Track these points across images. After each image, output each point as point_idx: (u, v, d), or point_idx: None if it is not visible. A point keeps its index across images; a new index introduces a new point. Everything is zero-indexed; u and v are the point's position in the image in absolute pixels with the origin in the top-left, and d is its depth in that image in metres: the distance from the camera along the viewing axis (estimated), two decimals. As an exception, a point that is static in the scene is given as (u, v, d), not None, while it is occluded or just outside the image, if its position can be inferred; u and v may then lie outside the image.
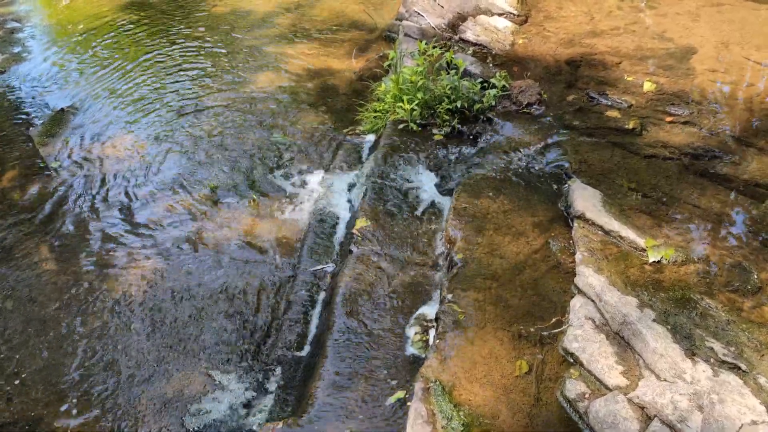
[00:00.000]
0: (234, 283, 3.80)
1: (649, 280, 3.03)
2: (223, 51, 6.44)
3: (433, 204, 3.91)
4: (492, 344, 2.87)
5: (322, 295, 3.66)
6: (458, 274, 3.24)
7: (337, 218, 4.19)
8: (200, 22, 7.13)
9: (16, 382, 3.28)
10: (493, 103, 4.65)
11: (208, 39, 6.71)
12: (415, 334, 3.10)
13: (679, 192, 3.67)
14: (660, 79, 4.83)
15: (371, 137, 4.90)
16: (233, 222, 4.24)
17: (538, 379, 2.73)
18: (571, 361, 2.77)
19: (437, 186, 4.04)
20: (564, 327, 2.90)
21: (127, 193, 4.54)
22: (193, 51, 6.47)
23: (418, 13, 6.18)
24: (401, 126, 4.49)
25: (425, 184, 4.05)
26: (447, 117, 4.51)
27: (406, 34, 5.76)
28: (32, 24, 7.50)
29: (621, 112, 4.51)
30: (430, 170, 4.15)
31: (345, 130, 5.06)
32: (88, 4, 7.87)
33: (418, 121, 4.50)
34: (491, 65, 5.25)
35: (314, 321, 3.52)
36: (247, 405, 3.11)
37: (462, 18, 6.11)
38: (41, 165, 4.85)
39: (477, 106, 4.58)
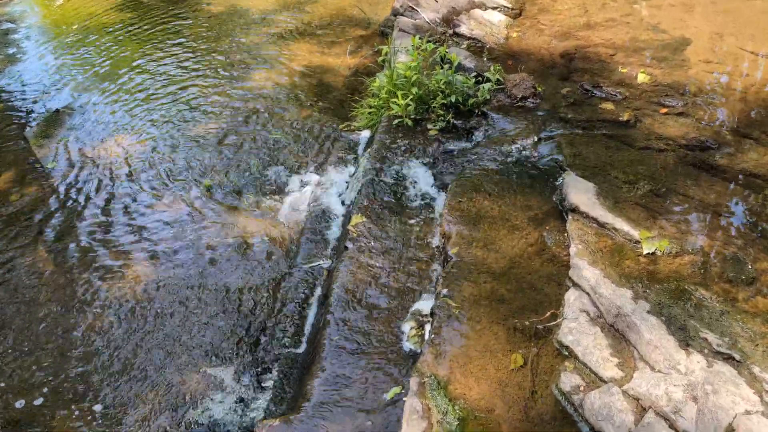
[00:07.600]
0: (230, 281, 3.80)
1: (644, 272, 3.03)
2: (218, 49, 6.43)
3: (427, 199, 3.91)
4: (487, 338, 2.87)
5: (318, 292, 3.67)
6: (453, 269, 3.24)
7: (333, 215, 4.19)
8: (196, 20, 7.12)
9: (12, 381, 3.29)
10: (488, 97, 4.64)
11: (203, 37, 6.70)
12: (411, 329, 3.10)
13: (674, 184, 3.67)
14: (654, 71, 4.83)
15: (366, 133, 4.90)
16: (230, 220, 4.25)
17: (533, 373, 2.73)
18: (566, 353, 2.78)
19: (432, 181, 4.04)
20: (559, 320, 2.90)
21: (122, 194, 4.54)
22: (188, 50, 6.47)
23: (413, 8, 6.17)
24: (396, 121, 4.49)
25: (420, 179, 4.04)
26: (441, 112, 4.50)
27: (400, 29, 5.75)
28: (27, 24, 7.49)
29: (615, 104, 4.50)
30: (425, 165, 4.15)
31: (340, 126, 5.05)
32: (82, 4, 7.86)
33: (412, 117, 4.49)
34: (485, 59, 5.24)
35: (310, 317, 3.53)
36: (244, 402, 3.12)
37: (456, 12, 6.10)
38: (37, 166, 4.85)
39: (471, 100, 4.57)
